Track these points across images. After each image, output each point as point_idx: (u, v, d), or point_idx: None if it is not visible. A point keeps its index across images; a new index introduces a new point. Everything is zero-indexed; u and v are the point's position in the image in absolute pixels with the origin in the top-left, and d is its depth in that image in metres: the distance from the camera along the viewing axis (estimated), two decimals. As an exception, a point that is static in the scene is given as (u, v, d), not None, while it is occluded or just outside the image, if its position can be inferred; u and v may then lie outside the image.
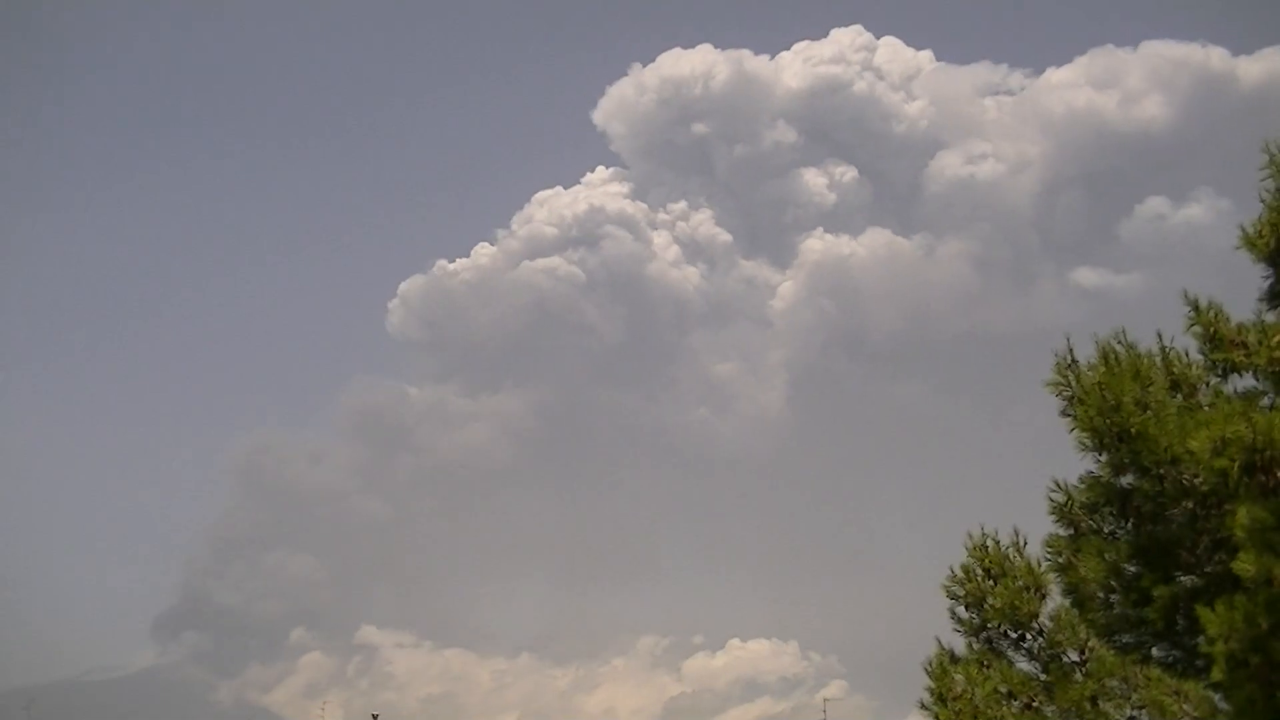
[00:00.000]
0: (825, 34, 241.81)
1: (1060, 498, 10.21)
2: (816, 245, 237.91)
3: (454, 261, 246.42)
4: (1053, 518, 10.23)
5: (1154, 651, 9.65)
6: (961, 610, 10.05)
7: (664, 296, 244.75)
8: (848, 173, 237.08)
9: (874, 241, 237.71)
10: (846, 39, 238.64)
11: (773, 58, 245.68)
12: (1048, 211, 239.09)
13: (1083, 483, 10.08)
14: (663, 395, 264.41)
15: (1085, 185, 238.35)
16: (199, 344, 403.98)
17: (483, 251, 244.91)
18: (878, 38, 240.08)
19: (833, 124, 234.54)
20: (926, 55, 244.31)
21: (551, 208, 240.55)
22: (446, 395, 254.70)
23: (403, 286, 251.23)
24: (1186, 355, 9.82)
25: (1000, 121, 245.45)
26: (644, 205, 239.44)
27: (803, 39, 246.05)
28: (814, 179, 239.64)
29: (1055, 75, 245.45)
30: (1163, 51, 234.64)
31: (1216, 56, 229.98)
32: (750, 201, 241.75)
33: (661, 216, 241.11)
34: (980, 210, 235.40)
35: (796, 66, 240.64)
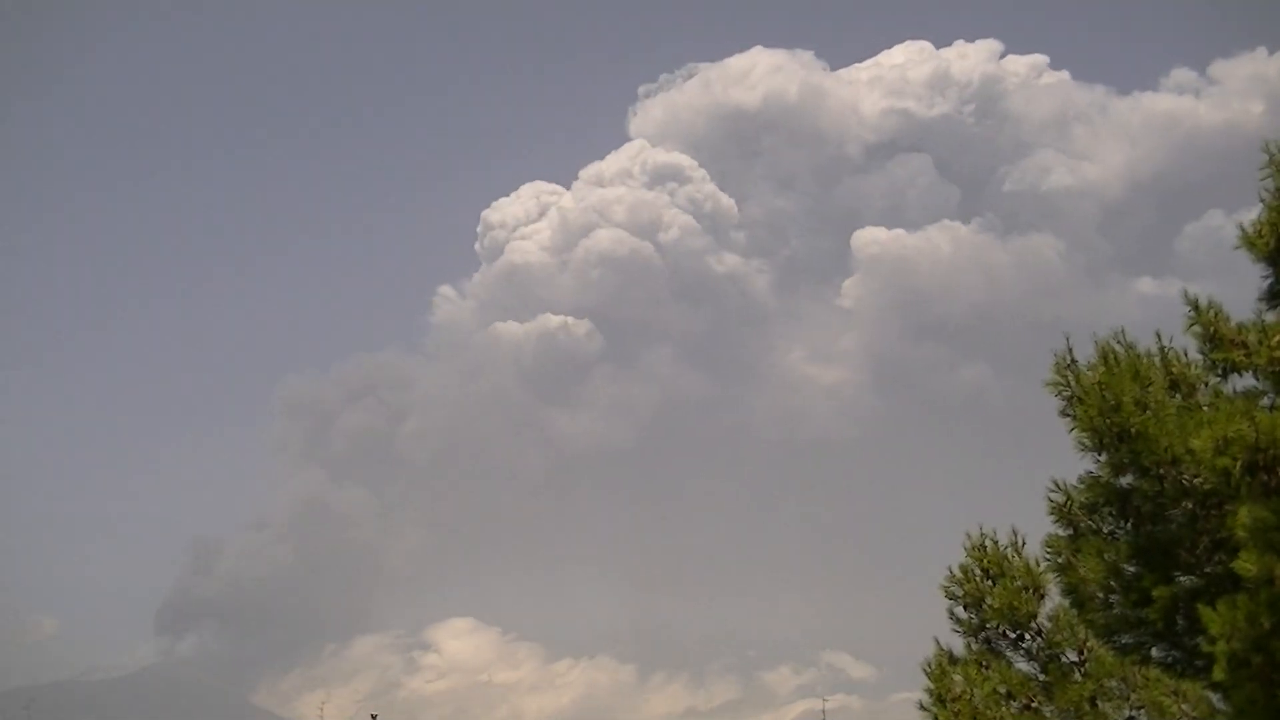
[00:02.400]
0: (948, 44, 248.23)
1: (1059, 498, 10.17)
2: (895, 239, 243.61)
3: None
4: (1052, 518, 10.19)
5: (1153, 652, 9.61)
6: (960, 610, 10.01)
7: (735, 289, 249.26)
8: (929, 172, 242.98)
9: (955, 238, 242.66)
10: (966, 48, 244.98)
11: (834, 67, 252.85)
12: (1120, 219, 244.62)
13: (1082, 483, 10.04)
14: (745, 386, 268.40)
15: (1160, 196, 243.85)
16: (202, 339, 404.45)
17: (533, 246, 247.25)
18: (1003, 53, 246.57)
19: (926, 125, 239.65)
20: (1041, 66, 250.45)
21: (605, 198, 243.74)
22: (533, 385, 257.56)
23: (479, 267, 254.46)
24: (1185, 355, 9.78)
25: (1086, 133, 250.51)
26: (728, 200, 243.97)
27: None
28: (900, 176, 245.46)
29: (1144, 94, 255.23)
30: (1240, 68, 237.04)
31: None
32: (834, 196, 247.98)
33: (733, 210, 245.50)
34: (1053, 216, 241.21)
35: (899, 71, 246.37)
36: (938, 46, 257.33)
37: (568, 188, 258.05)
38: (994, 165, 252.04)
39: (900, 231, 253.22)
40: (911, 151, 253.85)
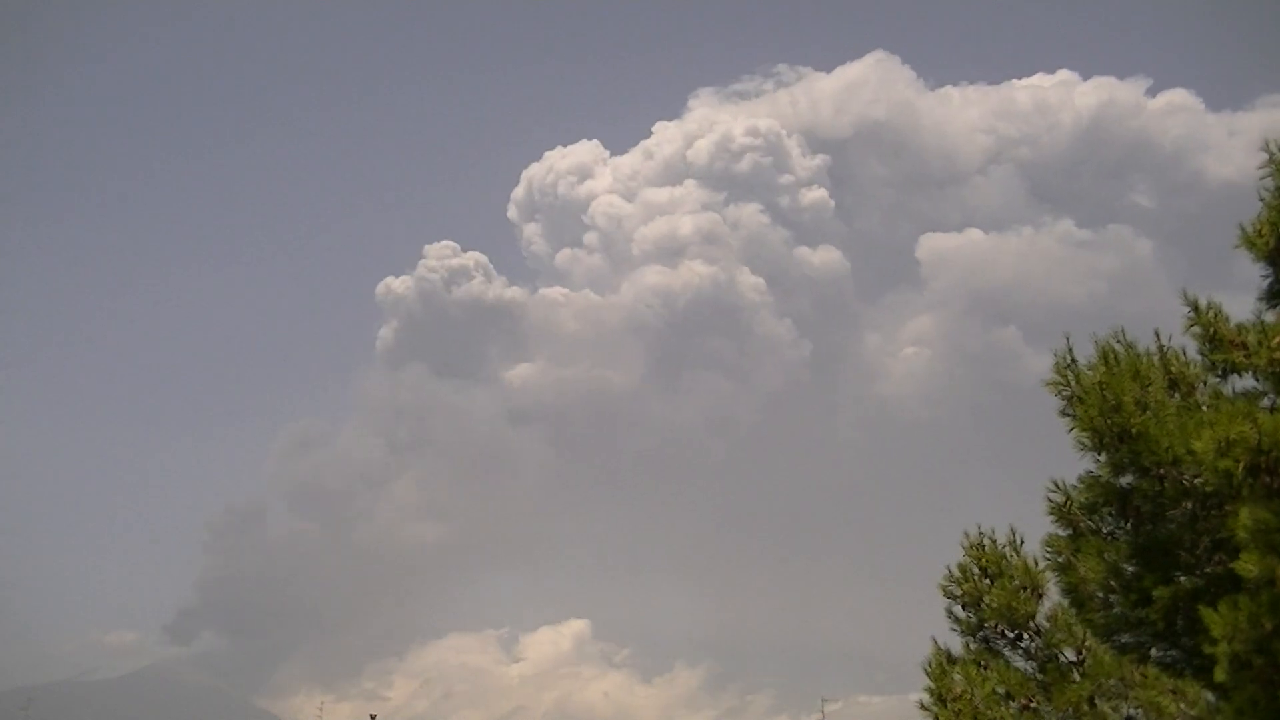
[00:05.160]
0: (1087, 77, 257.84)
1: (1059, 498, 10.15)
2: (973, 242, 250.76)
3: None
4: (1051, 517, 10.17)
5: (1153, 652, 9.58)
6: (958, 610, 9.99)
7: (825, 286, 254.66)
8: (1013, 180, 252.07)
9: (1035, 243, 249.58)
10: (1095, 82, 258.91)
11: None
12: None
13: (1082, 483, 10.02)
14: (838, 375, 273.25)
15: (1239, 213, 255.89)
16: (210, 339, 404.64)
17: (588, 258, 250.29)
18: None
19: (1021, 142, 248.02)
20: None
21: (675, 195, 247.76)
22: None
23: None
24: (1185, 355, 9.77)
25: (1173, 153, 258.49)
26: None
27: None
28: (992, 182, 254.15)
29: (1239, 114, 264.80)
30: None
31: None
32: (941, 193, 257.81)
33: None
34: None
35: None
36: (1084, 78, 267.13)
37: (629, 197, 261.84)
38: (1083, 182, 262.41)
39: (977, 233, 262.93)
40: (1003, 164, 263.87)
